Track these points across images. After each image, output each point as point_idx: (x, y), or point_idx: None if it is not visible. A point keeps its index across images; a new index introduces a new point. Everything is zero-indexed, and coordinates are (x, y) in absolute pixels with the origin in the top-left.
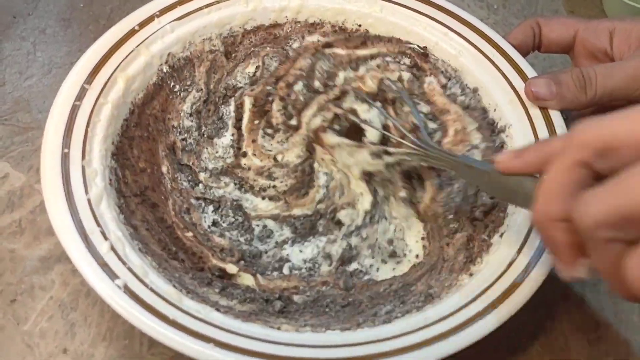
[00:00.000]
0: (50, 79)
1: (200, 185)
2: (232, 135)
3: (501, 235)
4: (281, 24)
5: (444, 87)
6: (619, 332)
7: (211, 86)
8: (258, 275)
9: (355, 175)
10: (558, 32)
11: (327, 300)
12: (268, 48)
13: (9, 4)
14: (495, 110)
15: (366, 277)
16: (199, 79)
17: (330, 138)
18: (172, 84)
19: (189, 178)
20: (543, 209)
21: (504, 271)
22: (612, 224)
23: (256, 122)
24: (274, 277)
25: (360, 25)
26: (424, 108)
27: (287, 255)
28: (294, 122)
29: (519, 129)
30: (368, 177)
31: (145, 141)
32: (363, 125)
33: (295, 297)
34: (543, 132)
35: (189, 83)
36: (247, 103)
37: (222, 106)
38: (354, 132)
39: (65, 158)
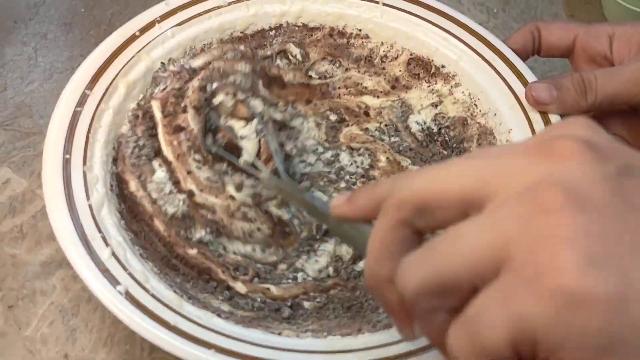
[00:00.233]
0: (52, 84)
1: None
2: (160, 165)
3: None
4: (275, 29)
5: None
6: None
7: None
8: (272, 287)
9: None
10: (558, 36)
11: (333, 305)
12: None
13: (10, 9)
14: (495, 114)
15: None
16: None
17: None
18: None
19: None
20: (371, 268)
21: None
22: (430, 292)
23: (175, 142)
24: (288, 284)
25: (360, 30)
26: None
27: (302, 266)
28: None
29: (519, 134)
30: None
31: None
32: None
33: (306, 304)
34: None
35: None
36: (155, 110)
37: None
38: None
39: (66, 164)
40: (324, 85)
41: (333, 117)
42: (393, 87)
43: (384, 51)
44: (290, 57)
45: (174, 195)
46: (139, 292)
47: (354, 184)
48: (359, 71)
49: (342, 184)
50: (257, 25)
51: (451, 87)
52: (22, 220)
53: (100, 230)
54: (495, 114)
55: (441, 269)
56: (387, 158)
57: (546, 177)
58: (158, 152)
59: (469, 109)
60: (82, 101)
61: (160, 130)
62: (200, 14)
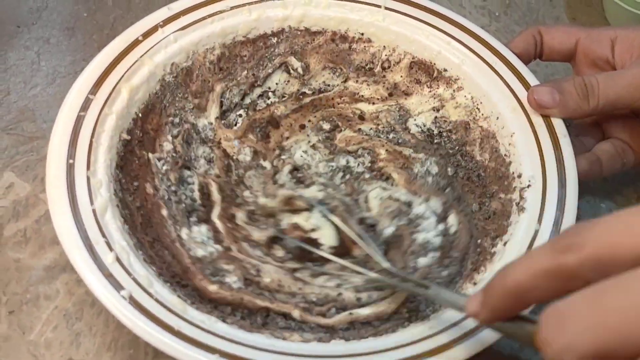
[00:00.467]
0: (55, 89)
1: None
2: (199, 223)
3: (505, 244)
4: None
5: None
6: None
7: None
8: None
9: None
10: (559, 40)
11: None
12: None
13: (13, 14)
14: (497, 118)
15: None
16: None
17: None
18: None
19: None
20: None
21: None
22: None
23: (229, 225)
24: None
25: (362, 34)
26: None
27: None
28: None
29: (522, 137)
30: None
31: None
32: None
33: (322, 321)
34: (545, 140)
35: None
36: (215, 191)
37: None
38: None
39: (70, 168)
40: (317, 100)
41: (326, 126)
42: (390, 95)
43: (385, 55)
44: (292, 70)
45: (209, 244)
46: (143, 296)
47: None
48: (357, 81)
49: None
50: (259, 29)
51: (453, 91)
52: (26, 224)
53: (104, 235)
54: (497, 118)
55: (618, 332)
56: (387, 150)
57: None
58: (204, 219)
59: (471, 113)
60: (85, 106)
61: (217, 211)
62: (202, 19)
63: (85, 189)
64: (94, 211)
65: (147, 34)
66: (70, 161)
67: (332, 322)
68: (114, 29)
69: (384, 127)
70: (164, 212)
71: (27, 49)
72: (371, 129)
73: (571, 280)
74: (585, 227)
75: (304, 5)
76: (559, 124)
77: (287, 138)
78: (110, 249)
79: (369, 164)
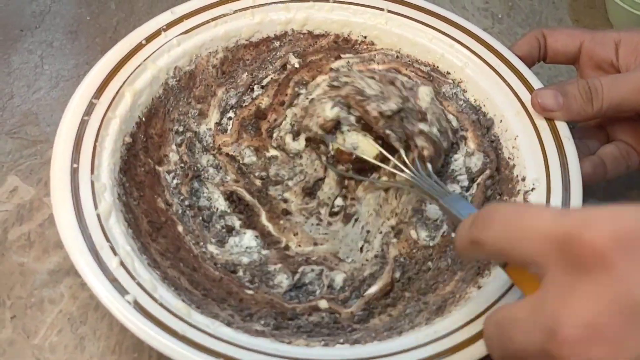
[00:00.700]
0: (58, 92)
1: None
2: (243, 232)
3: None
4: (280, 36)
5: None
6: None
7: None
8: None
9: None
10: (563, 42)
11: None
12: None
13: (17, 18)
14: (501, 121)
15: None
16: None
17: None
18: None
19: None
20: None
21: (512, 284)
22: None
23: (282, 222)
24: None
25: (365, 37)
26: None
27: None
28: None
29: (525, 140)
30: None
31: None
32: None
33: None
34: (549, 143)
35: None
36: (246, 195)
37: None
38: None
39: (74, 173)
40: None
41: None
42: None
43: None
44: (288, 66)
45: (255, 251)
46: (148, 301)
47: None
48: None
49: None
50: (263, 33)
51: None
52: (30, 228)
53: (108, 240)
54: (501, 121)
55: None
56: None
57: None
58: (252, 226)
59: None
60: (89, 110)
61: (263, 214)
62: (206, 22)
63: (90, 193)
64: (98, 215)
65: (150, 38)
66: (75, 165)
67: (352, 309)
68: (117, 32)
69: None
70: (180, 228)
71: (31, 52)
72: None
73: None
74: (489, 219)
75: (307, 9)
76: (562, 127)
77: (275, 120)
78: (115, 253)
79: None
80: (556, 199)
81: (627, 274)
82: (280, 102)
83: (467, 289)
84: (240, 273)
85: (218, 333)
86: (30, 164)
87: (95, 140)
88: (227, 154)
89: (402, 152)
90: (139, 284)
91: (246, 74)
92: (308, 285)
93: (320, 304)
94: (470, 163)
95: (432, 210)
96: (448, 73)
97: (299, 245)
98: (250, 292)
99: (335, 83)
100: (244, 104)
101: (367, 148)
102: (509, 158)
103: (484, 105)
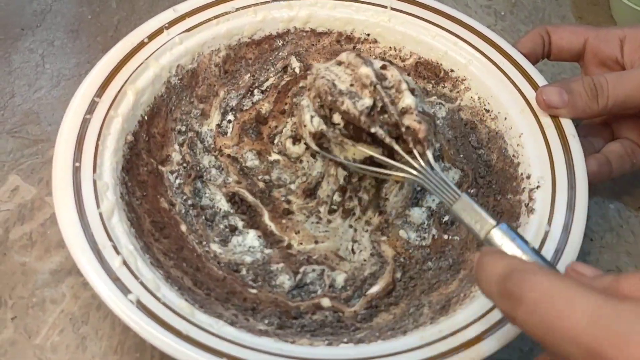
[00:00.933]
0: (59, 91)
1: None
2: (245, 232)
3: None
4: (282, 34)
5: None
6: None
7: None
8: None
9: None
10: (568, 40)
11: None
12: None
13: (17, 17)
14: (505, 118)
15: None
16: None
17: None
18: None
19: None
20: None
21: None
22: None
23: (284, 221)
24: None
25: (368, 35)
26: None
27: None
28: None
29: (530, 138)
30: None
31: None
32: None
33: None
34: (554, 141)
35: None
36: (248, 196)
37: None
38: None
39: (76, 172)
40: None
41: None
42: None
43: (391, 55)
44: (289, 70)
45: (258, 250)
46: (150, 300)
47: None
48: None
49: None
50: (265, 30)
51: (460, 91)
52: (32, 227)
53: (110, 239)
54: (505, 118)
55: None
56: None
57: None
58: (254, 226)
59: (478, 113)
60: (91, 109)
61: (266, 214)
62: (208, 20)
63: (92, 192)
64: (100, 214)
65: (152, 36)
66: (77, 164)
67: (355, 309)
68: (118, 31)
69: None
70: (183, 227)
71: (32, 51)
72: None
73: None
74: (518, 298)
75: (310, 6)
76: (567, 125)
77: (276, 127)
78: (117, 252)
79: None
80: (562, 197)
81: None
82: (280, 111)
83: (471, 288)
84: (244, 272)
85: (222, 332)
86: (31, 163)
87: (98, 139)
88: (229, 155)
89: (397, 147)
90: (141, 284)
91: (248, 74)
92: (309, 285)
93: (322, 302)
94: (448, 177)
95: (416, 215)
96: (452, 70)
97: (301, 244)
98: (254, 291)
99: (309, 74)
100: (244, 108)
101: (364, 154)
102: (513, 156)
103: (489, 103)
